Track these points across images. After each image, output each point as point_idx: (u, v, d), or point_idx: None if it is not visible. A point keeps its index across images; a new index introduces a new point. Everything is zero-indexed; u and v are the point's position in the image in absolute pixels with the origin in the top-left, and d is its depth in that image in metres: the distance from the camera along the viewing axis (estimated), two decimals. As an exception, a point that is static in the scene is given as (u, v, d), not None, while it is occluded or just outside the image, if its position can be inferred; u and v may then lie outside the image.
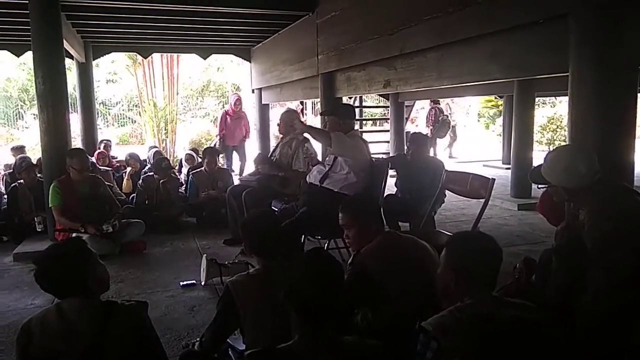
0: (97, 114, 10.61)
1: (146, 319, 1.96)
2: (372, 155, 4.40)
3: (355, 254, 2.43)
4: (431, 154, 10.48)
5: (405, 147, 6.34)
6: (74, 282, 1.84)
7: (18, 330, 1.85)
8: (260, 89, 9.14)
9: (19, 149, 7.10)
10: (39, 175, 5.42)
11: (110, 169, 6.90)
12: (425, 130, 11.03)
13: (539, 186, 2.40)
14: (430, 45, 3.88)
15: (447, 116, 11.43)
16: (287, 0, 5.82)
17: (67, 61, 5.99)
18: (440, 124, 10.96)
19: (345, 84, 5.67)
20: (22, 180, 5.50)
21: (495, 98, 15.13)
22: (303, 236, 3.99)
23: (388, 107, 10.32)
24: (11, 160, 7.02)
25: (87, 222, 4.61)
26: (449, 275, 1.79)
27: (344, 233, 2.59)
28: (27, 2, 4.67)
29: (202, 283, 3.86)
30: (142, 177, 6.15)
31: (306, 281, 1.61)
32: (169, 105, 13.02)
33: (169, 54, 12.47)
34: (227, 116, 9.03)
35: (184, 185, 6.47)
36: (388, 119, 10.42)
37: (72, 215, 4.65)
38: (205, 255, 4.04)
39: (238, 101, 9.08)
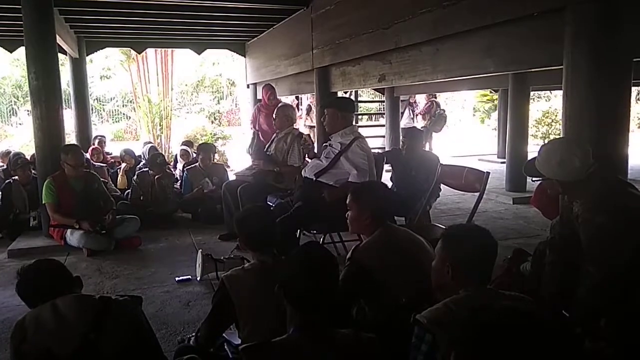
0: (91, 110, 10.57)
1: (141, 313, 1.97)
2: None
3: (353, 249, 2.44)
4: (427, 148, 10.49)
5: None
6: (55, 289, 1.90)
7: (12, 328, 1.85)
8: (255, 84, 9.12)
9: (6, 155, 7.03)
10: (33, 171, 5.40)
11: (104, 164, 6.88)
12: (421, 123, 10.95)
13: (534, 179, 2.41)
14: (425, 39, 3.87)
15: (444, 110, 11.39)
16: (282, -6, 5.81)
17: (61, 57, 5.95)
18: (437, 117, 10.90)
19: (340, 78, 5.66)
20: (16, 177, 5.47)
21: (490, 92, 15.14)
22: (298, 231, 3.99)
23: (383, 101, 10.31)
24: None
25: (81, 218, 4.60)
26: (445, 267, 1.80)
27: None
28: (20, -3, 4.64)
29: (198, 278, 3.86)
30: (137, 173, 6.13)
31: (301, 274, 1.61)
32: (163, 101, 12.98)
33: (163, 49, 12.41)
34: (260, 111, 7.16)
35: (179, 181, 6.46)
36: (383, 113, 10.42)
37: (66, 212, 4.64)
38: (200, 250, 4.04)
39: (271, 94, 6.99)
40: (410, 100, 10.99)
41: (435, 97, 11.32)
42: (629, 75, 2.56)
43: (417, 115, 11.08)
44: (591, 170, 2.18)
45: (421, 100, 11.53)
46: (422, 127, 10.31)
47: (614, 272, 2.06)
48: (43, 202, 4.70)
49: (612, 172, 2.35)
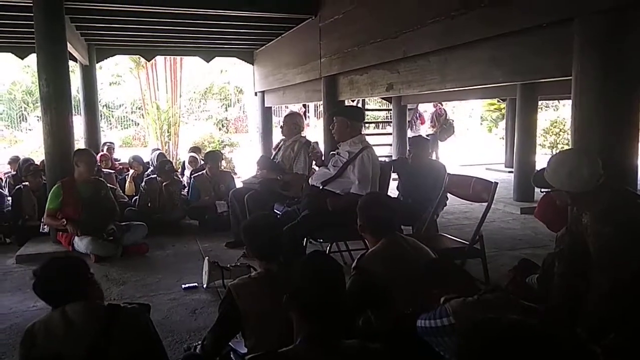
0: (101, 116, 10.60)
1: (149, 321, 1.96)
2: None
3: (358, 258, 2.44)
4: (434, 156, 10.44)
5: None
6: (75, 295, 1.86)
7: (22, 334, 1.85)
8: (263, 92, 9.15)
9: (14, 161, 7.09)
10: (43, 178, 5.44)
11: (113, 171, 6.92)
12: (429, 131, 10.84)
13: (542, 190, 2.40)
14: (434, 48, 3.87)
15: (453, 120, 11.29)
16: (290, 3, 5.82)
17: (71, 63, 6.01)
18: (447, 127, 10.79)
19: (348, 87, 5.67)
20: (26, 183, 5.51)
21: (498, 101, 15.11)
22: (305, 239, 3.98)
23: (391, 110, 10.31)
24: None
25: (88, 224, 4.61)
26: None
27: None
28: (32, 4, 4.69)
29: (204, 286, 3.86)
30: (144, 179, 6.16)
31: (307, 283, 1.61)
32: (172, 108, 13.05)
33: (172, 57, 12.50)
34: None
35: (187, 188, 6.48)
36: (391, 122, 10.41)
37: (73, 217, 4.66)
38: (207, 258, 4.04)
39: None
40: (415, 111, 10.93)
41: (442, 104, 11.23)
42: (638, 86, 2.54)
43: (418, 121, 10.96)
44: (600, 181, 2.17)
45: (428, 108, 11.43)
46: (428, 135, 10.27)
47: (623, 283, 2.04)
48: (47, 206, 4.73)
49: (621, 183, 2.34)
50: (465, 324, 1.60)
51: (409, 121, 10.50)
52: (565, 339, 1.24)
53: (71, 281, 1.85)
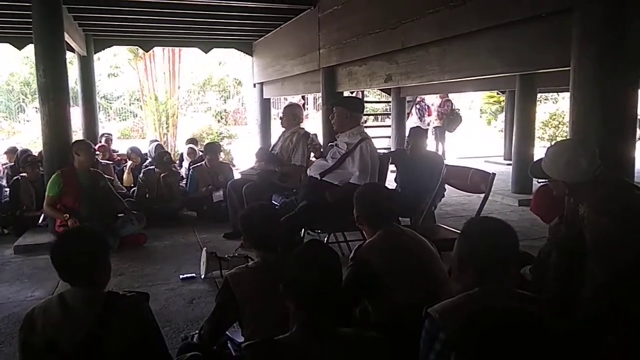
0: (99, 107, 10.59)
1: (147, 309, 1.96)
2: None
3: (356, 248, 2.44)
4: (440, 149, 10.42)
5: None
6: (86, 269, 1.83)
7: (22, 320, 1.85)
8: (261, 84, 9.13)
9: (12, 152, 7.07)
10: (41, 169, 5.43)
11: (111, 162, 6.92)
12: (436, 123, 10.75)
13: (539, 181, 2.40)
14: (432, 39, 3.86)
15: (459, 110, 11.21)
16: (289, -7, 5.81)
17: (69, 54, 5.98)
18: (455, 117, 10.70)
19: (346, 78, 5.66)
20: (24, 174, 5.50)
21: (497, 94, 15.10)
22: (303, 230, 3.99)
23: (390, 102, 10.28)
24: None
25: (87, 213, 4.61)
26: (456, 264, 1.79)
27: None
28: (29, -6, 4.67)
29: (202, 276, 3.87)
30: (143, 171, 6.16)
31: (303, 271, 1.61)
32: (170, 100, 13.02)
33: (170, 48, 12.45)
34: None
35: (185, 179, 6.48)
36: (389, 114, 10.39)
37: (72, 206, 4.64)
38: (205, 248, 4.05)
39: None
40: (418, 100, 10.84)
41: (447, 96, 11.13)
42: (636, 77, 2.54)
43: (426, 113, 10.81)
44: (598, 172, 2.17)
45: (431, 100, 11.32)
46: (435, 128, 10.24)
47: (619, 273, 2.05)
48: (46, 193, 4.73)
49: (618, 174, 2.34)
50: (454, 322, 1.55)
51: (418, 113, 10.45)
52: (563, 325, 1.25)
53: (83, 261, 1.81)
